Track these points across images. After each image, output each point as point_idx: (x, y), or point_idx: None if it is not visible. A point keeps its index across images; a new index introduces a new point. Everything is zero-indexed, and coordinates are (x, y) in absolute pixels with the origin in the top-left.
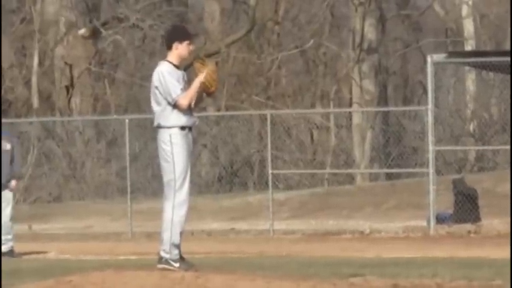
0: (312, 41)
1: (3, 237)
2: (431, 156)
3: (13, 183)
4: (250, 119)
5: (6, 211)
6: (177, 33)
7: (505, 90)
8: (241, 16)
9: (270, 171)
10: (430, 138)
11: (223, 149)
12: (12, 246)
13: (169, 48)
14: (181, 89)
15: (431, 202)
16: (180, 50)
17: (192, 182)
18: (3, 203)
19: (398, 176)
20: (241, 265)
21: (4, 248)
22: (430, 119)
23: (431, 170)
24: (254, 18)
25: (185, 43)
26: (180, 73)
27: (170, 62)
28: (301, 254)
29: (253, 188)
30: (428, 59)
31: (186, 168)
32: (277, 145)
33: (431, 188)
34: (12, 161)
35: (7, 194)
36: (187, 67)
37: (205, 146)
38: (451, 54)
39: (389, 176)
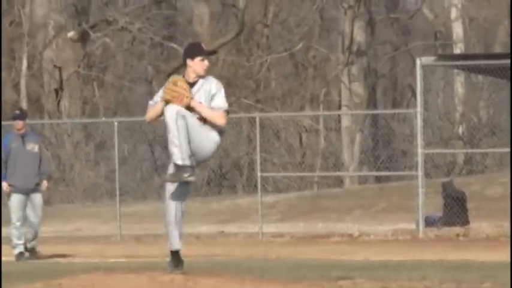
0: (301, 44)
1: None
2: (420, 159)
3: (45, 183)
4: (239, 122)
5: (38, 213)
6: (189, 51)
7: (494, 93)
8: (230, 19)
9: (259, 174)
10: (419, 141)
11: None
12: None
13: (185, 65)
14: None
15: (420, 205)
16: (193, 66)
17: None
18: (36, 206)
19: (387, 178)
20: (230, 268)
21: (30, 246)
22: (419, 122)
23: (420, 172)
24: (243, 21)
25: (197, 59)
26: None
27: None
28: (290, 257)
29: (242, 191)
30: (417, 62)
31: None
32: (266, 148)
33: (420, 190)
34: (40, 163)
35: (38, 198)
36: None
37: None
38: (440, 57)
39: (378, 179)
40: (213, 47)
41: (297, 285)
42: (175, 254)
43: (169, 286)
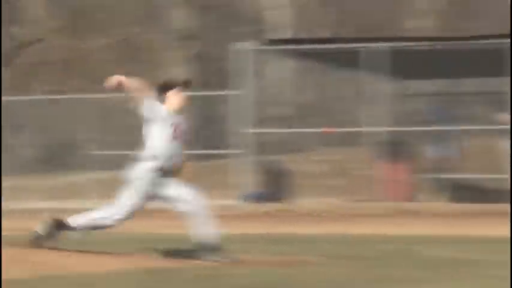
0: (132, 29)
1: None
2: (243, 137)
3: None
4: (73, 103)
5: None
6: (163, 87)
7: (321, 77)
8: (65, 1)
9: (92, 153)
10: (244, 120)
11: (46, 130)
12: None
13: (163, 102)
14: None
15: (243, 181)
16: (170, 99)
17: (13, 163)
18: None
19: (211, 157)
20: (71, 243)
21: None
22: (243, 102)
23: (243, 150)
24: (77, 4)
25: (171, 92)
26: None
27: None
28: (127, 231)
29: (77, 169)
30: (242, 46)
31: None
32: (100, 127)
33: (243, 168)
34: None
35: None
36: None
37: (25, 126)
38: (268, 41)
39: (202, 158)
40: (48, 30)
41: (136, 257)
42: (59, 224)
43: (11, 260)
